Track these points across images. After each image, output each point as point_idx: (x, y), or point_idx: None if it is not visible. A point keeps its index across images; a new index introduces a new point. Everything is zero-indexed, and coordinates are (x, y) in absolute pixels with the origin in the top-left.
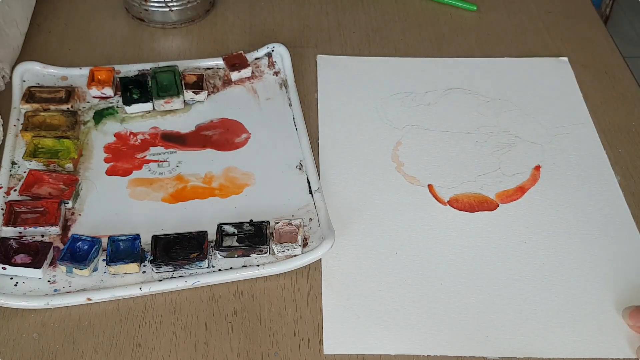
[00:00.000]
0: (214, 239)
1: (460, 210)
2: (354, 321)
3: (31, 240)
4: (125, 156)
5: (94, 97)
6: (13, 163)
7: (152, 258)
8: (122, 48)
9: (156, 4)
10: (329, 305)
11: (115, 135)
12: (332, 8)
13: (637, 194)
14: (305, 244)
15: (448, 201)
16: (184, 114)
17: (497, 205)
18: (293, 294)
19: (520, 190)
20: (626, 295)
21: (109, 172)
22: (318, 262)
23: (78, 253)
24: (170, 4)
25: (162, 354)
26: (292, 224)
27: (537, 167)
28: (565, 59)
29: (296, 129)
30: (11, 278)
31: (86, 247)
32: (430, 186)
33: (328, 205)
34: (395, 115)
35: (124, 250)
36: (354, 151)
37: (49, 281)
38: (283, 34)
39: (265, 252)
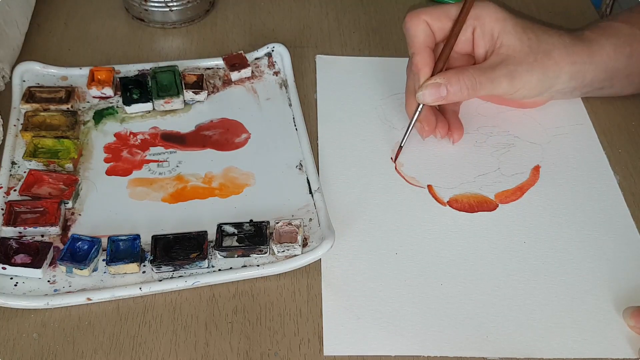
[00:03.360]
0: (214, 239)
1: (459, 210)
2: (354, 322)
3: (31, 240)
4: (125, 156)
5: (93, 97)
6: (13, 163)
7: (152, 258)
8: (122, 48)
9: (156, 4)
10: (328, 306)
11: (115, 135)
12: (332, 8)
13: (637, 194)
14: (305, 244)
15: (447, 202)
16: (184, 114)
17: (497, 206)
18: (293, 294)
19: (520, 191)
20: (626, 295)
21: (109, 172)
22: (318, 262)
23: (78, 253)
24: (170, 4)
25: (162, 354)
26: (292, 224)
27: (537, 168)
28: None
29: (296, 129)
30: (11, 278)
31: (86, 247)
32: (429, 187)
33: (327, 205)
34: (395, 115)
35: (124, 250)
36: (353, 151)
37: (48, 281)
38: (283, 34)
39: (265, 252)
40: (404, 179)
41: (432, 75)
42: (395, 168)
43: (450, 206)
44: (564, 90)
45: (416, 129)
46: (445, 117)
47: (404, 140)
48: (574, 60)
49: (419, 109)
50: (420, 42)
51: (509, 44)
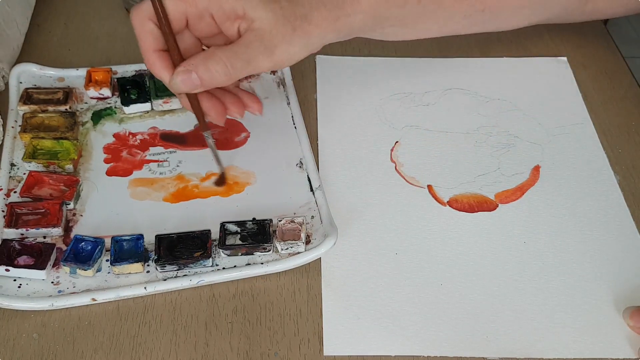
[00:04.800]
0: (217, 237)
1: (459, 210)
2: (354, 322)
3: (34, 242)
4: (124, 156)
5: (91, 97)
6: (12, 165)
7: (156, 257)
8: (122, 48)
9: None
10: (328, 306)
11: (114, 135)
12: None
13: (637, 194)
14: (308, 241)
15: (447, 202)
16: (183, 113)
17: (497, 206)
18: (293, 294)
19: (520, 191)
20: (626, 295)
21: (109, 173)
22: (318, 262)
23: (81, 254)
24: None
25: (162, 354)
26: (294, 222)
27: (537, 167)
28: (564, 58)
29: (295, 127)
30: (14, 280)
31: (89, 247)
32: (429, 187)
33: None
34: (394, 115)
35: (127, 250)
36: (353, 152)
37: (52, 282)
38: None
39: (269, 250)
40: (404, 179)
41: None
42: (395, 168)
43: (450, 206)
44: (334, 42)
45: (210, 119)
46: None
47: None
48: (337, 16)
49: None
50: (148, 46)
51: (260, 17)
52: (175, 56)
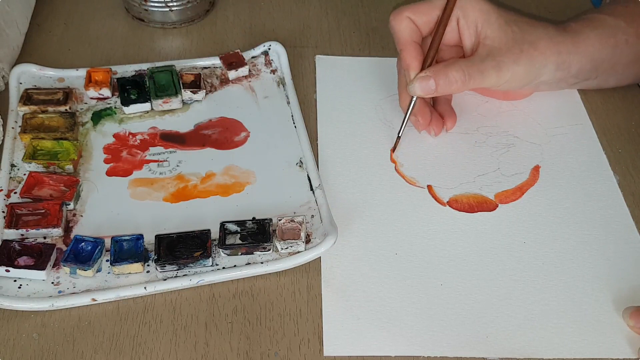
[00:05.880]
0: (217, 237)
1: (459, 210)
2: (354, 322)
3: (34, 242)
4: (124, 156)
5: (91, 98)
6: (12, 165)
7: (156, 257)
8: (122, 48)
9: (156, 4)
10: (328, 306)
11: (114, 135)
12: (332, 8)
13: (637, 194)
14: (308, 240)
15: (447, 202)
16: (183, 113)
17: (497, 206)
18: (293, 294)
19: (520, 191)
20: (626, 295)
21: (109, 173)
22: (318, 262)
23: (81, 254)
24: (170, 4)
25: (162, 354)
26: (294, 221)
27: (536, 168)
28: None
29: (295, 126)
30: (15, 280)
31: (89, 247)
32: (429, 187)
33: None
34: (395, 115)
35: (127, 250)
36: (353, 152)
37: (52, 283)
38: (283, 34)
39: (269, 250)
40: (404, 179)
41: (423, 67)
42: (395, 168)
43: (450, 206)
44: (550, 82)
45: (411, 122)
46: (438, 106)
47: (401, 131)
48: (559, 50)
49: (413, 102)
50: (405, 38)
51: (493, 36)
52: (432, 52)
